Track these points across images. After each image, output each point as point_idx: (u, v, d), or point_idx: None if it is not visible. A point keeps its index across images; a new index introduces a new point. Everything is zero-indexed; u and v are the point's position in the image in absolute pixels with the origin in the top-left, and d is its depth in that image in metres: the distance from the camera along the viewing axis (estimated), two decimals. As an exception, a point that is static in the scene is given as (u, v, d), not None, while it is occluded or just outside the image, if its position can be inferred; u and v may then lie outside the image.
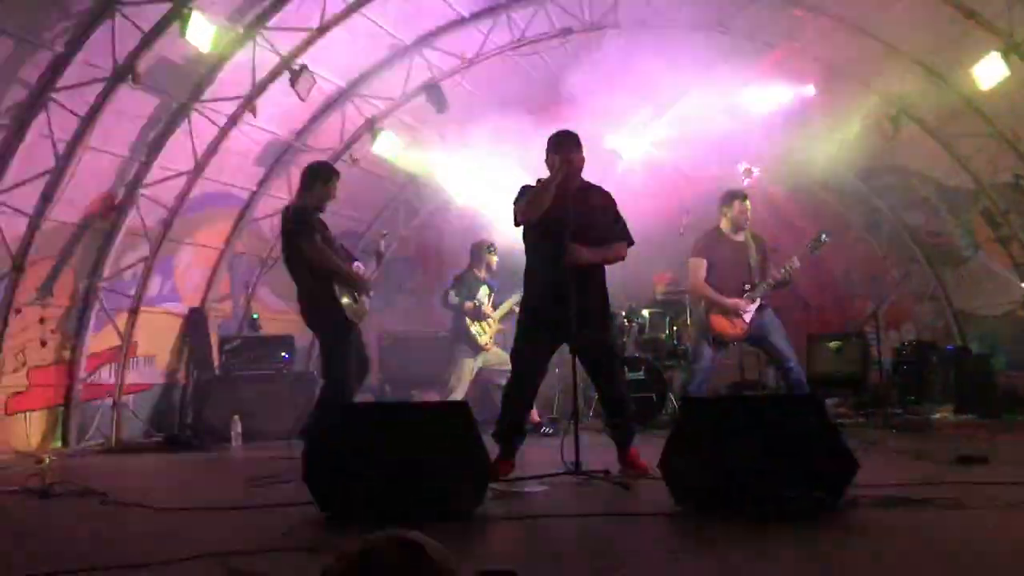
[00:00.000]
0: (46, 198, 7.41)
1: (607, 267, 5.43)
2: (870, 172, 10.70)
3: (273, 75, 8.44)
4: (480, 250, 8.90)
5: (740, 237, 7.28)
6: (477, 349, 8.65)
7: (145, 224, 8.58)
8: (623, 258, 5.42)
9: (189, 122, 8.28)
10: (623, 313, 9.21)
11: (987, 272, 10.08)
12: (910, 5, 8.30)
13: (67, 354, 8.13)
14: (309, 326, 6.10)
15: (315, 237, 5.84)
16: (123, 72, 7.26)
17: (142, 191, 8.30)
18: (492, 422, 5.28)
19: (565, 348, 5.26)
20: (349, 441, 3.88)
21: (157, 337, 9.23)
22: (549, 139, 5.26)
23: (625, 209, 5.47)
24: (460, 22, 9.32)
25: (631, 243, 5.43)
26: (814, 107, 9.65)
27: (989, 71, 7.98)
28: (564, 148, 5.15)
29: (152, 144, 8.23)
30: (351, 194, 10.35)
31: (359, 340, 6.08)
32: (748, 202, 7.30)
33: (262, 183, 9.83)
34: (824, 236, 7.22)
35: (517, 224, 5.36)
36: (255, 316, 10.08)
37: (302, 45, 8.35)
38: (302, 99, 8.42)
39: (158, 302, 9.20)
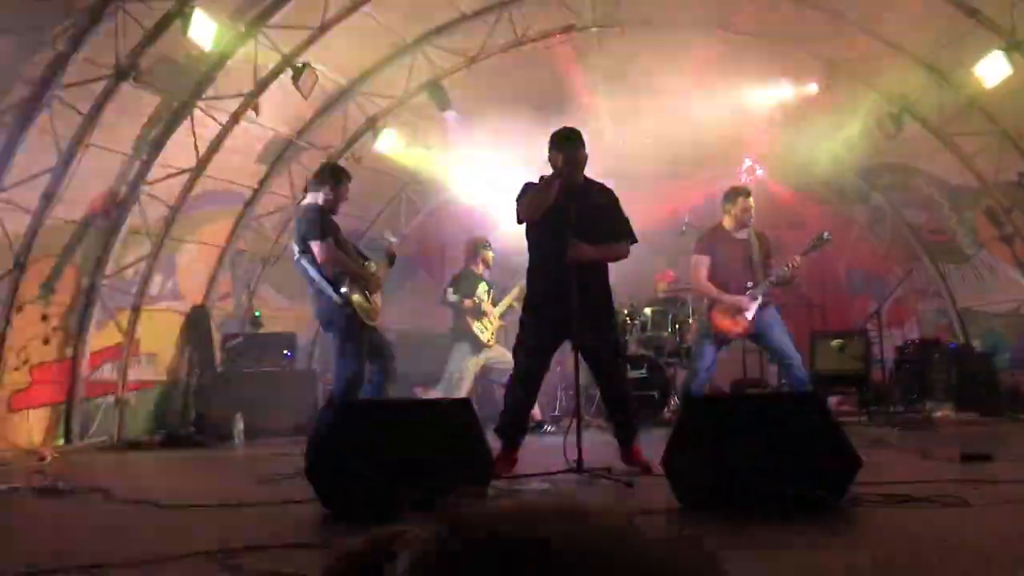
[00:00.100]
0: (48, 196, 7.41)
1: (609, 265, 5.43)
2: (873, 170, 10.69)
3: (275, 73, 8.44)
4: (475, 247, 8.90)
5: (743, 235, 7.26)
6: (479, 346, 8.65)
7: (147, 222, 8.59)
8: (626, 256, 5.42)
9: (191, 120, 8.28)
10: (625, 311, 9.21)
11: (990, 270, 10.07)
12: (913, 3, 8.28)
13: (69, 351, 8.13)
14: (321, 325, 6.15)
15: (327, 237, 5.87)
16: (125, 70, 7.26)
17: (144, 189, 8.31)
18: (494, 419, 5.27)
19: (567, 346, 5.26)
20: (351, 438, 3.88)
21: (159, 335, 9.23)
22: (552, 136, 5.26)
23: (627, 207, 5.47)
24: (463, 19, 9.31)
25: (634, 241, 5.42)
26: (817, 105, 9.64)
27: (992, 69, 7.96)
28: (567, 146, 5.14)
29: (154, 142, 8.23)
30: (353, 192, 10.34)
31: (380, 340, 6.13)
32: (751, 200, 7.29)
33: (264, 181, 9.83)
34: (826, 235, 7.21)
35: (520, 222, 5.36)
36: (257, 314, 10.08)
37: (304, 43, 8.34)
38: (304, 97, 8.42)
39: (160, 300, 9.21)
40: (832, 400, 9.30)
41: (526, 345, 5.30)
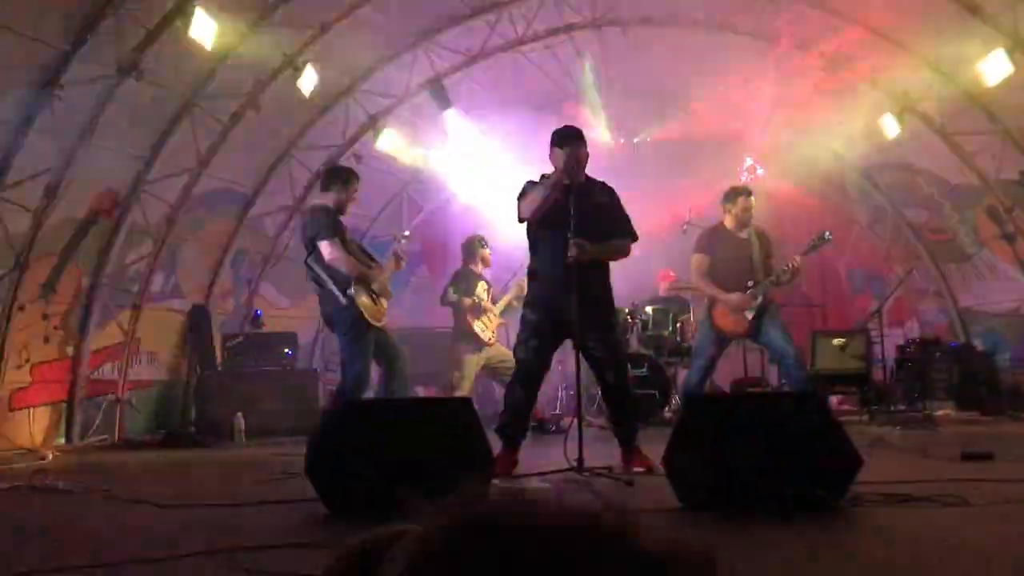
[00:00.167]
0: (49, 195, 7.41)
1: (611, 263, 5.43)
2: (874, 169, 10.68)
3: (276, 72, 8.44)
4: (472, 246, 8.90)
5: (744, 234, 7.26)
6: (480, 345, 8.64)
7: (148, 221, 8.59)
8: (627, 254, 5.42)
9: (192, 119, 8.28)
10: (626, 310, 9.21)
11: (991, 269, 10.07)
12: (914, 1, 8.27)
13: (70, 350, 8.14)
14: (327, 325, 6.20)
15: (335, 238, 5.90)
16: (127, 69, 7.26)
17: (145, 188, 8.31)
18: (495, 418, 5.27)
19: (569, 344, 5.26)
20: (352, 437, 3.88)
21: (160, 334, 9.24)
22: (553, 135, 5.25)
23: (628, 206, 5.47)
24: (464, 18, 9.31)
25: (635, 239, 5.42)
26: (818, 104, 9.63)
27: (995, 68, 7.95)
28: (568, 144, 5.14)
29: (155, 141, 8.23)
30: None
31: (387, 341, 6.15)
32: (752, 199, 7.29)
33: (265, 180, 9.83)
34: (827, 234, 7.20)
35: (521, 220, 5.36)
36: (258, 313, 10.08)
37: (305, 42, 8.34)
38: (305, 96, 8.42)
39: (161, 299, 9.21)
40: (833, 399, 9.30)
41: (527, 344, 5.30)
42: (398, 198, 11.79)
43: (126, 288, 8.68)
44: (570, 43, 9.74)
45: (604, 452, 5.22)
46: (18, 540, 3.51)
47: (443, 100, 9.89)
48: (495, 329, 8.81)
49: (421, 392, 9.95)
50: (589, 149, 5.27)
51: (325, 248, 5.88)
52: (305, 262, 6.07)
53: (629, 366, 5.82)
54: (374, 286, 6.07)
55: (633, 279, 8.11)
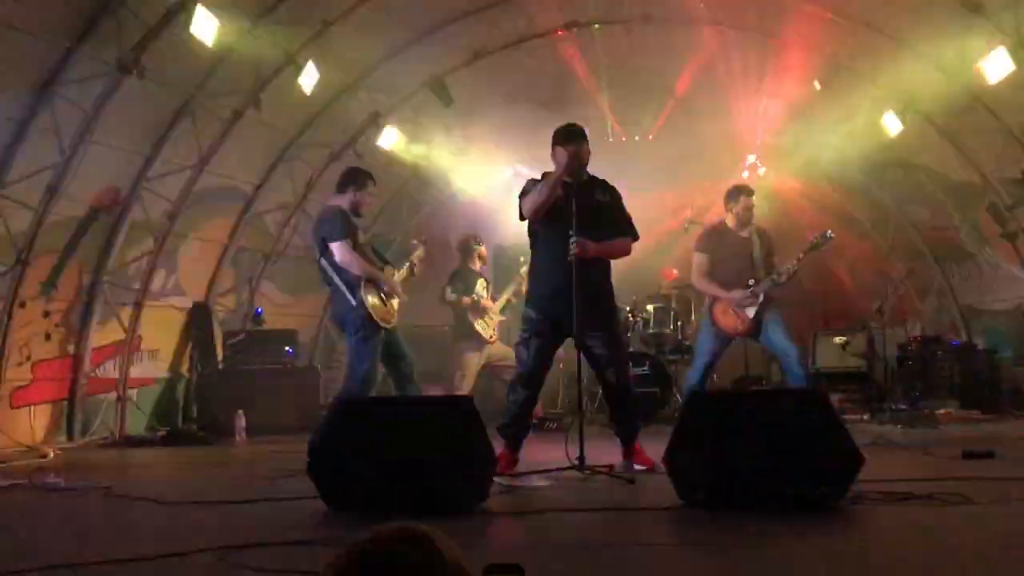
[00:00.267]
0: (51, 192, 7.41)
1: (612, 261, 5.42)
2: (875, 167, 10.67)
3: (277, 69, 8.43)
4: (467, 244, 8.89)
5: (745, 233, 7.25)
6: (481, 343, 8.64)
7: (149, 218, 8.59)
8: (628, 252, 5.41)
9: (193, 116, 8.28)
10: (628, 308, 9.21)
11: (992, 268, 10.06)
12: (917, -1, 8.28)
13: (71, 348, 8.13)
14: (337, 325, 6.18)
15: (346, 239, 5.93)
16: (128, 66, 7.25)
17: (146, 185, 8.30)
18: (496, 417, 5.27)
19: (570, 343, 5.26)
20: (353, 435, 3.88)
21: (161, 331, 9.24)
22: (555, 133, 5.25)
23: (629, 204, 5.47)
24: (465, 15, 9.30)
25: (636, 237, 5.42)
26: (820, 102, 9.62)
27: (996, 66, 7.94)
28: (570, 142, 5.13)
29: (156, 138, 8.22)
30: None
31: (398, 343, 6.17)
32: (753, 198, 7.27)
33: (266, 177, 9.82)
34: (829, 233, 7.19)
35: (522, 219, 5.36)
36: (259, 311, 10.08)
37: (307, 39, 8.34)
38: (306, 93, 8.42)
39: (162, 296, 9.21)
40: (834, 398, 9.29)
41: (528, 342, 5.30)
42: (398, 196, 11.78)
43: (127, 286, 8.68)
44: (572, 40, 9.73)
45: (605, 450, 5.22)
46: (19, 538, 3.52)
47: (444, 97, 9.88)
48: (496, 327, 8.81)
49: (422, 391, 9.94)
50: (591, 147, 5.27)
51: (336, 249, 5.92)
52: (317, 262, 6.11)
53: (630, 364, 5.82)
54: (384, 288, 6.09)
55: (634, 277, 8.10)
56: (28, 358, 7.67)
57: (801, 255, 7.08)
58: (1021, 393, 9.15)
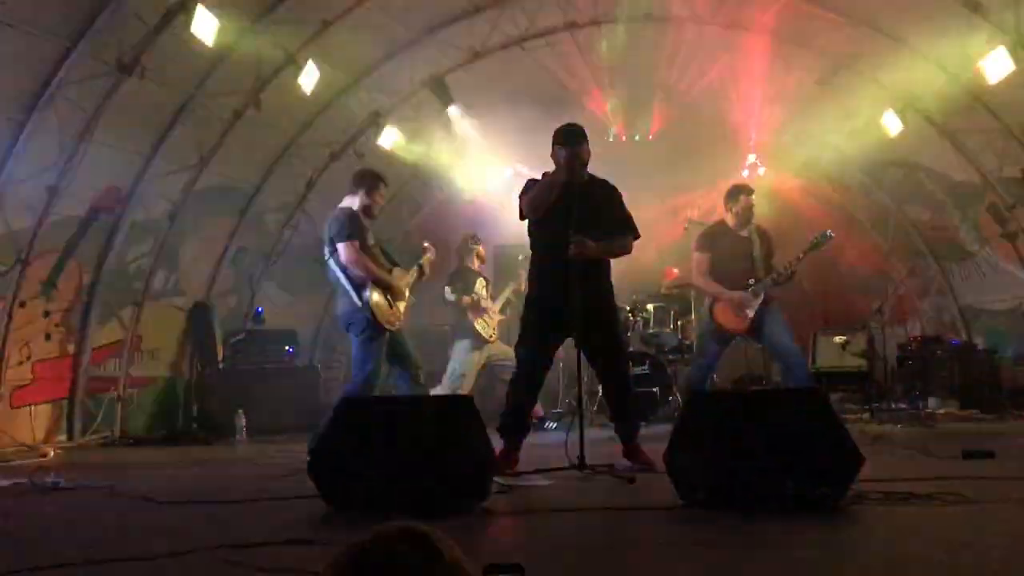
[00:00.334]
0: (52, 191, 7.41)
1: (612, 261, 5.42)
2: (876, 167, 10.67)
3: (278, 68, 8.44)
4: (465, 244, 8.90)
5: (745, 232, 7.25)
6: (481, 342, 8.64)
7: (150, 218, 8.59)
8: (628, 252, 5.42)
9: (193, 116, 8.28)
10: (628, 307, 9.20)
11: (992, 267, 10.06)
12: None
13: (72, 347, 8.14)
14: (342, 325, 6.25)
15: (353, 240, 5.98)
16: (128, 65, 7.26)
17: (147, 185, 8.30)
18: (496, 416, 5.27)
19: (570, 342, 5.26)
20: (353, 435, 3.88)
21: (161, 331, 9.24)
22: (555, 133, 5.25)
23: (630, 203, 5.47)
24: (466, 15, 9.29)
25: (636, 236, 5.42)
26: (820, 102, 9.62)
27: (996, 65, 7.94)
28: (570, 142, 5.13)
29: (157, 138, 8.22)
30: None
31: (403, 345, 6.23)
32: (753, 197, 7.28)
33: (266, 177, 9.82)
34: (829, 233, 7.19)
35: (522, 218, 5.36)
36: (259, 310, 10.08)
37: (307, 38, 8.34)
38: (307, 93, 8.42)
39: (163, 296, 9.22)
40: (834, 397, 9.29)
41: (528, 342, 5.30)
42: (399, 195, 11.77)
43: (127, 285, 8.68)
44: (572, 40, 9.73)
45: (605, 450, 5.22)
46: (19, 537, 3.52)
47: (445, 97, 9.88)
48: (496, 326, 8.81)
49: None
50: (591, 146, 5.27)
51: (342, 249, 5.97)
52: (326, 262, 6.18)
53: (630, 364, 5.82)
54: (391, 290, 6.14)
55: (634, 277, 8.10)
56: (28, 357, 7.68)
57: (801, 255, 7.08)
58: (1021, 392, 9.14)
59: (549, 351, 5.37)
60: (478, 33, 9.54)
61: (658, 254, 9.51)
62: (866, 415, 8.85)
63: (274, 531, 3.26)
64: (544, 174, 5.30)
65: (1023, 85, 8.02)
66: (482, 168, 10.75)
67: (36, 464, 6.17)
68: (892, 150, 10.01)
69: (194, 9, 6.98)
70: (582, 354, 5.10)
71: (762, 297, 7.05)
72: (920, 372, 9.58)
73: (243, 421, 8.42)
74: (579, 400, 4.99)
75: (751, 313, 7.04)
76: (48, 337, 7.87)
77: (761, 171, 10.66)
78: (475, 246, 8.88)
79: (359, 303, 5.95)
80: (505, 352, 8.33)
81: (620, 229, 5.35)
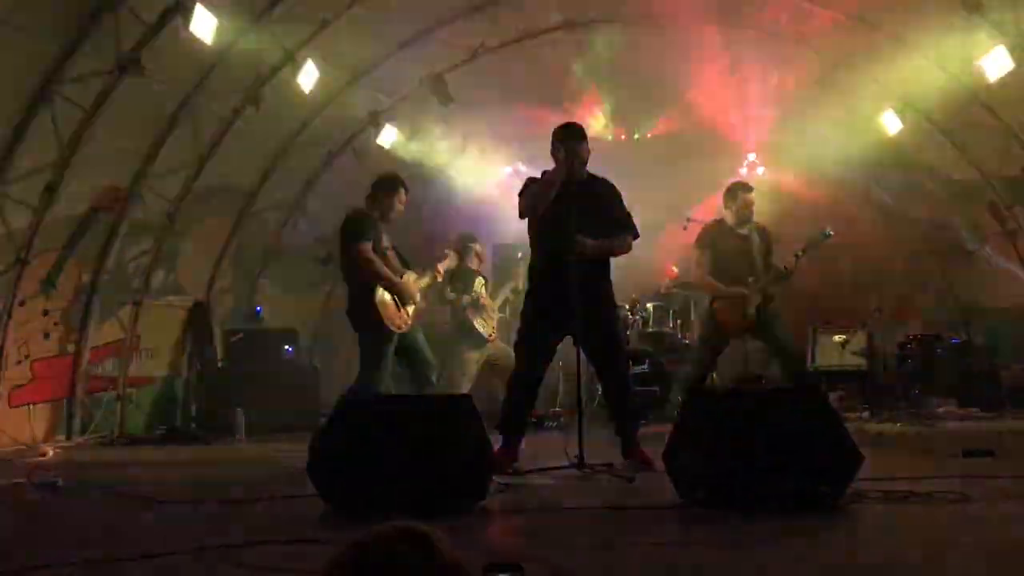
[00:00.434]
0: (50, 190, 7.40)
1: (611, 260, 5.42)
2: (875, 165, 10.66)
3: (276, 67, 8.43)
4: (464, 243, 8.90)
5: (744, 230, 7.25)
6: (481, 342, 8.64)
7: (149, 217, 8.58)
8: (628, 251, 5.42)
9: (193, 115, 8.27)
10: (627, 306, 9.20)
11: (992, 266, 10.05)
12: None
13: (71, 347, 8.13)
14: (351, 325, 6.30)
15: (364, 242, 6.05)
16: (127, 64, 7.24)
17: (146, 184, 8.29)
18: (496, 416, 5.27)
19: (569, 341, 5.26)
20: (353, 434, 3.87)
21: (161, 330, 9.23)
22: (554, 131, 5.25)
23: (629, 202, 5.47)
24: (464, 13, 9.28)
25: (635, 235, 5.42)
26: (819, 100, 9.61)
27: (995, 64, 7.94)
28: (569, 140, 5.13)
29: (156, 137, 8.21)
30: (354, 188, 10.33)
31: (415, 347, 6.29)
32: (752, 195, 7.28)
33: (266, 176, 9.81)
34: (828, 231, 7.19)
35: (522, 217, 5.36)
36: (258, 309, 10.07)
37: (306, 37, 8.33)
38: (305, 92, 8.41)
39: (162, 295, 9.20)
40: (834, 396, 9.29)
41: (527, 341, 5.30)
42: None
43: (126, 284, 8.67)
44: (571, 38, 9.72)
45: (605, 449, 5.22)
46: (18, 537, 3.51)
47: (444, 95, 9.87)
48: (495, 325, 8.81)
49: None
50: (590, 145, 5.27)
51: (353, 250, 6.06)
52: (339, 264, 6.33)
53: (629, 363, 5.81)
54: (401, 294, 6.19)
55: (634, 275, 8.10)
56: (27, 357, 7.66)
57: (800, 253, 7.09)
58: (1021, 391, 9.14)
59: (548, 350, 5.37)
60: (477, 32, 9.53)
61: (657, 253, 9.51)
62: (865, 414, 8.85)
63: (274, 531, 3.26)
64: (543, 173, 5.30)
65: (1022, 84, 8.02)
66: (481, 167, 10.74)
67: (35, 463, 6.17)
68: (891, 149, 10.00)
69: (193, 8, 6.97)
70: (581, 353, 5.10)
71: (762, 295, 7.05)
72: (920, 371, 9.57)
73: (242, 420, 8.41)
74: (578, 399, 4.99)
75: (751, 311, 7.05)
76: (47, 336, 7.86)
77: (760, 171, 10.66)
78: (474, 245, 8.88)
79: (368, 304, 6.00)
80: (504, 351, 8.32)
81: (619, 228, 5.35)
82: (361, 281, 6.06)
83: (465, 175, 10.89)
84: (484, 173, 10.77)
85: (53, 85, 6.96)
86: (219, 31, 7.23)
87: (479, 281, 8.78)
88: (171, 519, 3.83)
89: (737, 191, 7.29)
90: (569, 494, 4.28)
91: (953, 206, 10.25)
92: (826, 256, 8.86)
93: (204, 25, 7.09)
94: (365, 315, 6.03)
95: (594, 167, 5.38)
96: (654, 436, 5.19)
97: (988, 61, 7.96)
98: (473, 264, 8.86)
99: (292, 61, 8.27)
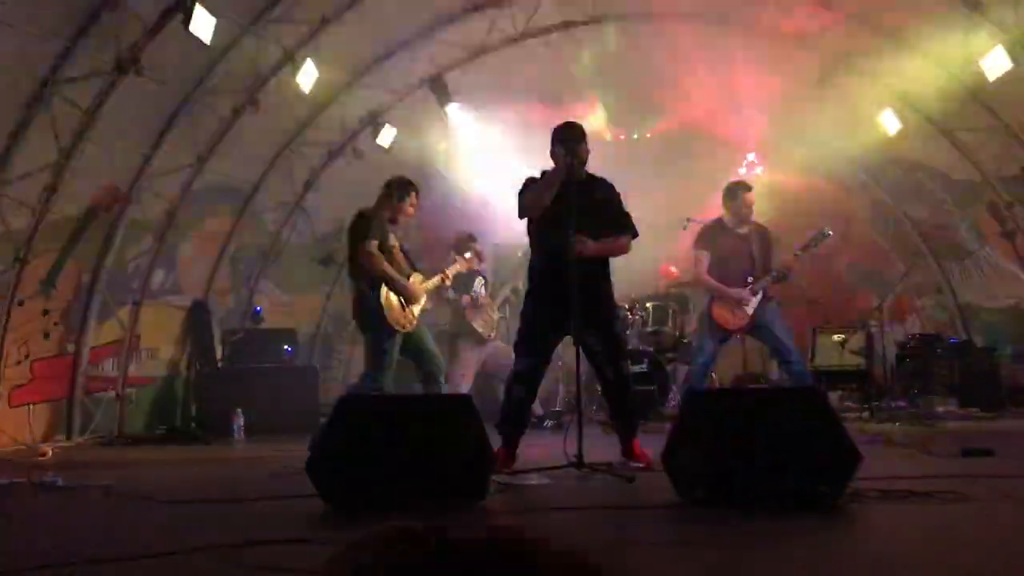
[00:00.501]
0: (49, 191, 7.40)
1: (611, 259, 5.43)
2: (875, 165, 10.67)
3: (276, 67, 8.43)
4: (462, 243, 8.89)
5: (743, 229, 7.26)
6: (480, 341, 8.64)
7: (148, 217, 8.58)
8: (627, 251, 5.42)
9: (192, 114, 8.27)
10: (626, 305, 9.20)
11: (992, 266, 10.06)
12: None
13: (70, 347, 8.13)
14: (357, 323, 6.41)
15: (371, 241, 6.13)
16: (126, 64, 7.24)
17: (145, 183, 8.29)
18: (495, 415, 5.27)
19: (568, 340, 5.26)
20: (353, 434, 3.88)
21: (160, 330, 9.23)
22: (554, 131, 5.25)
23: (628, 201, 5.47)
24: (464, 13, 9.28)
25: (635, 235, 5.42)
26: (819, 99, 9.61)
27: (995, 64, 7.93)
28: (569, 140, 5.14)
29: (155, 136, 8.21)
30: (353, 187, 10.34)
31: (421, 347, 6.36)
32: (752, 195, 7.28)
33: (264, 175, 9.81)
34: (827, 231, 7.20)
35: (521, 216, 5.36)
36: (258, 309, 10.07)
37: (305, 37, 8.33)
38: (305, 91, 8.41)
39: (161, 295, 9.20)
40: (833, 396, 9.29)
41: (527, 340, 5.30)
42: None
43: (126, 284, 8.67)
44: (570, 38, 9.72)
45: (604, 448, 5.22)
46: (18, 537, 3.51)
47: (444, 95, 9.87)
48: (495, 325, 8.81)
49: (420, 388, 9.93)
50: (589, 145, 5.27)
51: (360, 249, 6.14)
52: (347, 260, 6.39)
53: (629, 362, 5.82)
54: (406, 294, 6.26)
55: (633, 275, 8.10)
56: (27, 356, 7.66)
57: (799, 252, 7.09)
58: (1020, 391, 9.14)
59: (548, 349, 5.37)
60: (477, 31, 9.53)
61: (656, 253, 9.50)
62: (865, 413, 8.85)
63: (273, 530, 3.26)
64: (543, 172, 5.30)
65: (1022, 83, 8.02)
66: (481, 167, 10.74)
67: (35, 463, 6.16)
68: (891, 148, 10.01)
69: (193, 7, 6.97)
70: (581, 352, 5.10)
71: (761, 295, 7.06)
72: (919, 370, 9.57)
73: (241, 420, 8.41)
74: (577, 398, 4.99)
75: (750, 311, 7.05)
76: (47, 336, 7.86)
77: (760, 170, 10.66)
78: (473, 244, 8.88)
79: (372, 302, 6.08)
80: (504, 351, 8.32)
81: (619, 228, 5.36)
82: (367, 279, 6.14)
83: (464, 175, 10.90)
84: (483, 173, 10.77)
85: (52, 85, 6.96)
86: (218, 31, 7.23)
87: (478, 281, 8.78)
88: (171, 519, 3.83)
89: (736, 191, 7.30)
90: (568, 494, 4.28)
91: (953, 206, 10.25)
92: (825, 256, 8.88)
93: (204, 25, 7.09)
94: (370, 314, 6.12)
95: (593, 167, 5.38)
96: (653, 435, 5.20)
97: (987, 61, 7.96)
98: (473, 264, 8.86)
99: (291, 61, 8.27)
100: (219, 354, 9.48)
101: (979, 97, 8.68)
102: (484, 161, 10.70)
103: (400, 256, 6.40)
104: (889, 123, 9.41)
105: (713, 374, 8.21)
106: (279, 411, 8.73)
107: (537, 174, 5.36)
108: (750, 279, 7.07)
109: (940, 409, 8.94)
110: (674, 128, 10.60)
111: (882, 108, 9.41)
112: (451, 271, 6.88)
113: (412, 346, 6.28)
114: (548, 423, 8.73)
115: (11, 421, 7.50)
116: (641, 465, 5.03)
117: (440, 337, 9.57)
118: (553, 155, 5.19)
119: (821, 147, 10.02)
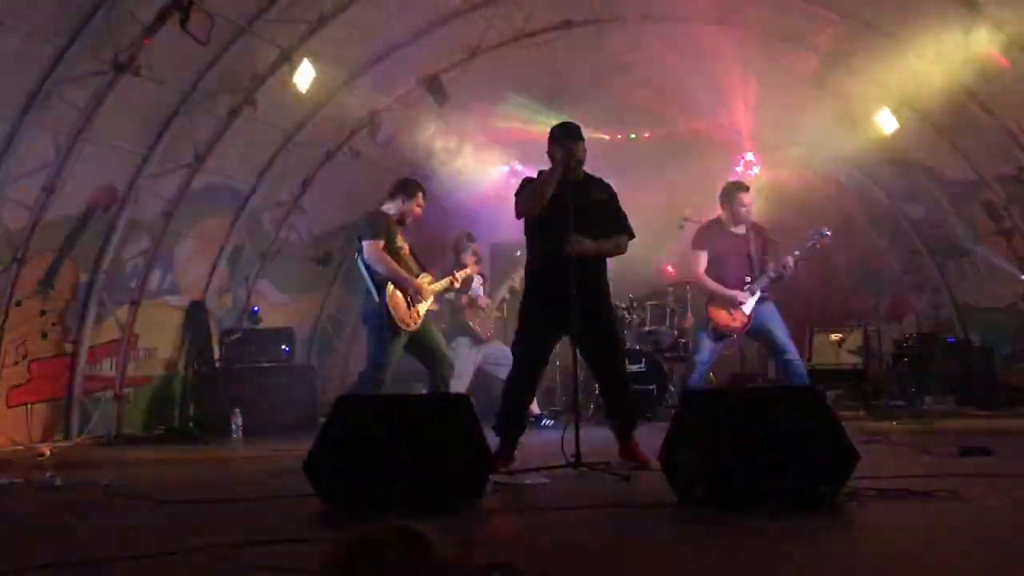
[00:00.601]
0: (47, 190, 7.39)
1: (608, 259, 5.43)
2: (872, 164, 10.67)
3: (273, 67, 8.42)
4: (460, 243, 8.91)
5: (741, 229, 7.27)
6: (478, 341, 8.65)
7: (146, 217, 8.57)
8: (624, 251, 5.43)
9: (190, 114, 8.26)
10: (623, 305, 9.21)
11: (989, 265, 10.07)
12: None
13: (68, 347, 8.11)
14: (362, 321, 6.55)
15: (377, 239, 6.27)
16: (123, 64, 7.24)
17: (143, 183, 8.28)
18: (493, 414, 5.28)
19: (566, 340, 5.27)
20: (351, 434, 3.88)
21: (158, 330, 9.22)
22: (551, 131, 5.26)
23: (625, 201, 5.48)
24: (462, 13, 9.28)
25: (632, 236, 5.43)
26: (816, 99, 9.62)
27: (992, 63, 7.94)
28: (566, 140, 5.14)
29: (153, 136, 8.20)
30: (352, 187, 10.35)
31: (429, 346, 6.48)
32: (749, 195, 7.29)
33: (262, 176, 9.80)
34: (824, 231, 7.21)
35: (519, 217, 5.37)
36: (255, 309, 10.06)
37: (302, 37, 8.33)
38: (302, 91, 8.41)
39: (159, 295, 9.19)
40: (831, 395, 9.30)
41: (525, 340, 5.31)
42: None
43: (124, 284, 8.66)
44: (569, 38, 9.72)
45: (602, 447, 5.22)
46: (16, 537, 3.51)
47: (440, 95, 9.87)
48: (493, 324, 8.81)
49: (418, 388, 9.94)
50: (587, 145, 5.28)
51: (365, 247, 6.29)
52: (355, 259, 6.53)
53: (627, 362, 5.83)
54: (412, 293, 6.33)
55: (630, 275, 8.11)
56: (25, 356, 7.65)
57: (797, 252, 7.11)
58: (1017, 390, 9.16)
59: (546, 349, 5.37)
60: (474, 31, 9.52)
61: (654, 253, 9.51)
62: (862, 412, 8.86)
63: (272, 530, 3.27)
64: (540, 172, 5.30)
65: (1019, 83, 8.03)
66: (478, 166, 10.75)
67: (33, 463, 6.16)
68: (888, 148, 10.01)
69: (189, 7, 6.97)
70: (579, 352, 5.11)
71: (758, 295, 7.07)
72: (916, 369, 9.59)
73: (240, 420, 8.40)
74: (575, 398, 5.00)
75: (747, 311, 7.07)
76: (45, 336, 7.85)
77: (756, 170, 10.67)
78: (472, 244, 8.89)
79: (377, 300, 6.18)
80: (502, 351, 8.33)
81: (616, 228, 5.36)
82: (373, 277, 6.23)
83: (462, 175, 10.89)
84: (481, 173, 10.78)
85: (50, 84, 6.96)
86: (216, 30, 7.23)
87: (477, 281, 8.78)
88: (170, 519, 3.83)
89: (733, 191, 7.31)
90: (566, 493, 4.29)
91: (949, 205, 10.26)
92: (822, 255, 8.90)
93: (202, 25, 7.09)
94: (376, 311, 6.20)
95: (591, 167, 5.38)
96: (651, 435, 5.20)
97: (984, 60, 7.95)
98: (480, 268, 8.90)
99: (289, 61, 8.27)
100: (217, 354, 9.47)
101: (977, 96, 8.69)
102: (481, 161, 10.70)
103: (409, 257, 6.47)
104: (886, 122, 9.41)
105: (711, 373, 8.22)
106: (277, 411, 8.73)
107: (535, 174, 5.36)
108: (748, 279, 7.08)
109: (937, 408, 8.96)
110: (671, 128, 10.60)
111: (879, 107, 9.42)
112: (461, 274, 6.97)
113: (421, 345, 6.39)
114: (546, 422, 8.73)
115: (9, 421, 7.49)
116: (639, 464, 5.03)
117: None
118: (550, 155, 5.19)
119: (818, 146, 10.03)
